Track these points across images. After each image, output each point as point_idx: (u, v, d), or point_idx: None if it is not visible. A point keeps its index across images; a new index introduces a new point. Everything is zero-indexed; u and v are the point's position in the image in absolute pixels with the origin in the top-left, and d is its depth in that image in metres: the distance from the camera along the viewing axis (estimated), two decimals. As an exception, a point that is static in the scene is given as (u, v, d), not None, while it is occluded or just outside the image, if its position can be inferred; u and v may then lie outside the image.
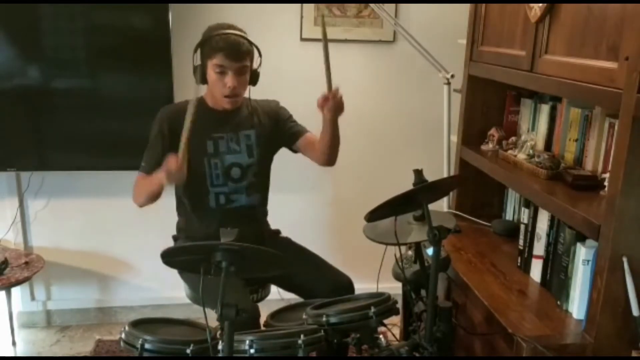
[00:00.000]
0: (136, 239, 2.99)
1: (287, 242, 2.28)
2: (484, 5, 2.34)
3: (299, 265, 2.12)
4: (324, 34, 1.94)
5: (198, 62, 2.05)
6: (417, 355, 1.70)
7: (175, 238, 2.25)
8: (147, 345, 1.63)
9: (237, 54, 2.01)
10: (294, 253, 2.21)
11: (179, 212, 2.25)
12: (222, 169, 2.13)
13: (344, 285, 2.13)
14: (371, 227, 1.82)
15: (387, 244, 1.77)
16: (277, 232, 2.33)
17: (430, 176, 1.69)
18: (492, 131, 2.42)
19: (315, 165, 3.04)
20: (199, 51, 2.05)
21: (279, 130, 2.23)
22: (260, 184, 2.23)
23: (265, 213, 2.29)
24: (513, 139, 2.31)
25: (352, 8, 2.89)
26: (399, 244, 1.72)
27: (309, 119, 2.98)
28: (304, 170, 3.01)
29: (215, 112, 2.13)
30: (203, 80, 2.07)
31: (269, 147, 2.24)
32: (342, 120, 3.03)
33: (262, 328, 1.91)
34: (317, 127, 3.01)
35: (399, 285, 1.98)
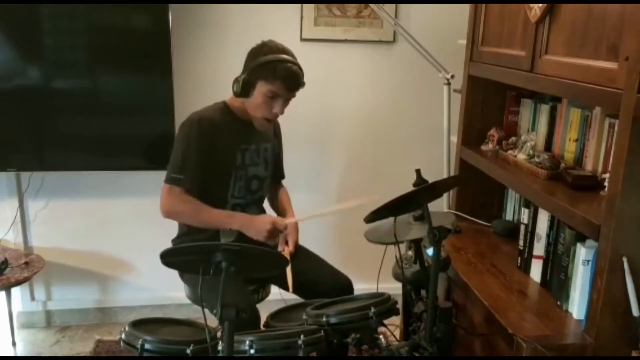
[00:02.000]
0: (136, 239, 2.99)
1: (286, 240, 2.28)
2: (484, 5, 2.34)
3: (299, 263, 2.12)
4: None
5: (245, 75, 2.01)
6: (417, 355, 1.70)
7: (176, 240, 2.24)
8: (147, 346, 1.63)
9: (295, 87, 2.04)
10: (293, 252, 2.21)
11: None
12: (245, 181, 2.14)
13: (343, 285, 2.14)
14: (372, 230, 1.82)
15: (388, 244, 1.77)
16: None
17: (430, 176, 1.69)
18: (492, 131, 2.41)
19: (315, 165, 3.06)
20: (250, 66, 2.02)
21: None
22: (264, 198, 2.29)
23: None
24: (513, 139, 2.31)
25: (352, 8, 2.89)
26: (397, 242, 1.71)
27: (308, 119, 2.99)
28: (304, 169, 3.02)
29: (243, 122, 2.13)
30: (245, 94, 2.03)
31: (274, 161, 2.30)
32: (342, 120, 3.05)
33: (262, 328, 1.91)
34: (313, 127, 3.02)
35: (399, 285, 1.98)
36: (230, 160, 2.10)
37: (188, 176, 2.02)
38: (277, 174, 2.37)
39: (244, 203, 2.16)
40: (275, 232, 2.03)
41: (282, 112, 2.07)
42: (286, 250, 2.11)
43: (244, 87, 2.01)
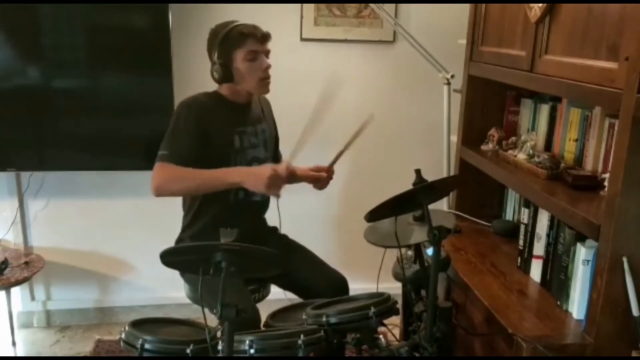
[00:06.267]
0: (136, 239, 2.99)
1: (285, 239, 2.28)
2: (484, 5, 2.34)
3: (295, 262, 2.12)
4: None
5: (217, 60, 2.02)
6: (417, 355, 1.70)
7: (178, 241, 2.23)
8: (147, 345, 1.63)
9: (265, 36, 2.05)
10: (291, 250, 2.22)
11: (188, 207, 2.19)
12: (245, 163, 2.11)
13: (339, 284, 2.14)
14: (372, 230, 1.82)
15: (388, 247, 1.77)
16: (275, 229, 2.33)
17: (430, 176, 1.69)
18: (492, 131, 2.42)
19: (315, 164, 3.05)
20: (216, 48, 2.03)
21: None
22: None
23: (267, 211, 2.30)
24: (513, 139, 2.31)
25: (352, 8, 2.89)
26: (399, 247, 1.71)
27: (306, 118, 2.99)
28: (304, 170, 3.01)
29: (237, 105, 2.12)
30: (227, 77, 2.04)
31: (273, 143, 2.29)
32: (342, 120, 3.04)
33: (262, 328, 1.91)
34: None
35: (399, 285, 1.98)
36: (228, 144, 2.07)
37: (174, 151, 1.95)
38: (275, 155, 2.35)
39: None
40: (276, 179, 1.93)
41: (269, 65, 2.07)
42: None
43: (224, 69, 2.02)
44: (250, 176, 1.94)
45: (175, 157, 1.94)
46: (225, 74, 2.03)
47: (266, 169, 1.94)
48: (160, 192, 1.95)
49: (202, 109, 2.04)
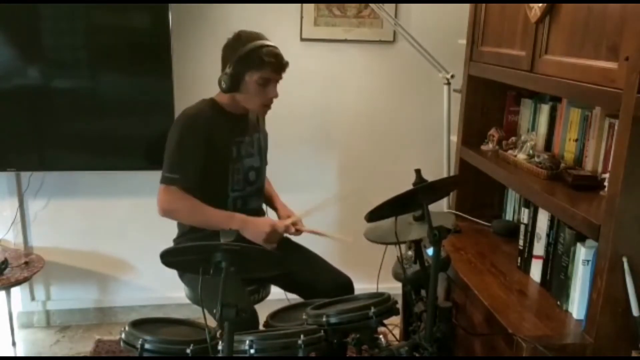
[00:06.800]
0: (136, 239, 2.99)
1: (286, 240, 2.28)
2: (484, 5, 2.34)
3: (297, 263, 2.12)
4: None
5: (231, 70, 2.00)
6: (417, 355, 1.70)
7: (176, 242, 2.23)
8: (147, 346, 1.63)
9: (283, 67, 2.04)
10: (292, 251, 2.22)
11: None
12: (242, 173, 2.13)
13: (343, 284, 2.14)
14: (372, 229, 1.82)
15: (387, 243, 1.77)
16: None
17: (430, 176, 1.69)
18: (492, 131, 2.42)
19: (315, 165, 3.06)
20: (234, 59, 2.00)
21: None
22: (264, 187, 2.28)
23: (264, 215, 2.31)
24: (513, 139, 2.31)
25: (352, 8, 2.89)
26: (398, 243, 1.71)
27: (307, 118, 3.00)
28: (304, 169, 3.02)
29: (235, 116, 2.12)
30: (234, 89, 2.03)
31: (266, 151, 2.30)
32: (342, 120, 3.05)
33: (262, 328, 1.91)
34: (313, 127, 3.02)
35: (399, 285, 1.98)
36: (227, 154, 2.08)
37: (184, 175, 1.99)
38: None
39: (244, 195, 2.14)
40: (274, 235, 2.01)
41: (277, 95, 2.07)
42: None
43: (233, 81, 2.01)
44: (250, 229, 2.00)
45: (183, 182, 2.00)
46: (233, 86, 2.02)
47: (265, 224, 2.02)
48: (166, 216, 2.06)
49: (204, 122, 2.04)
